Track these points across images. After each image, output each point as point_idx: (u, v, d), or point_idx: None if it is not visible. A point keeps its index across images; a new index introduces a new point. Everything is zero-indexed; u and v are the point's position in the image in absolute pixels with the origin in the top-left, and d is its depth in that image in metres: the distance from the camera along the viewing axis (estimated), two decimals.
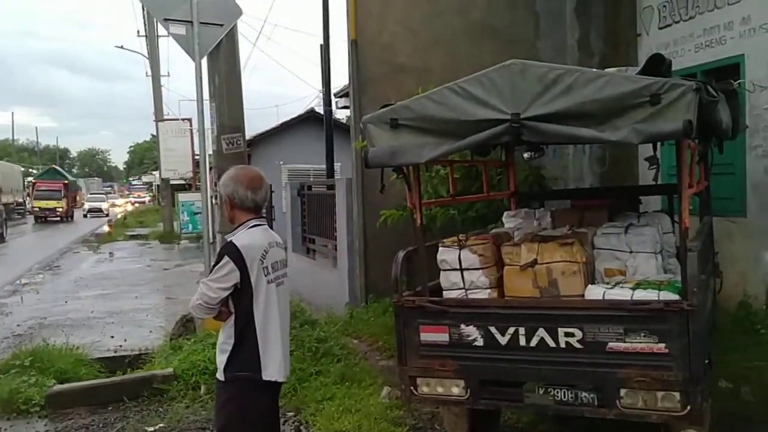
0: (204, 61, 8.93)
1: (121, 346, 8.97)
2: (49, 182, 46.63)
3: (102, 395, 6.53)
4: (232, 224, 3.71)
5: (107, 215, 48.60)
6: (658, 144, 4.11)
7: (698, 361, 3.61)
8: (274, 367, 3.55)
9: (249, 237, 3.59)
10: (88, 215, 49.77)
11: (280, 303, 3.65)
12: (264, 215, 3.81)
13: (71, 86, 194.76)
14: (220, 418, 3.66)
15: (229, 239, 3.59)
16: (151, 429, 5.81)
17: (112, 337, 9.64)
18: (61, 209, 44.40)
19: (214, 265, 3.54)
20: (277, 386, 3.72)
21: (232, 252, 3.48)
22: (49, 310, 12.11)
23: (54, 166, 57.57)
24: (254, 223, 3.64)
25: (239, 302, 3.53)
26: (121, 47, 36.70)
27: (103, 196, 59.79)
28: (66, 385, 6.79)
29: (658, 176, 3.93)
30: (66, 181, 48.14)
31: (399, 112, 4.06)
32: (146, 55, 30.49)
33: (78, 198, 55.69)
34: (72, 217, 46.69)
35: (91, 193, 62.53)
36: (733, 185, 7.09)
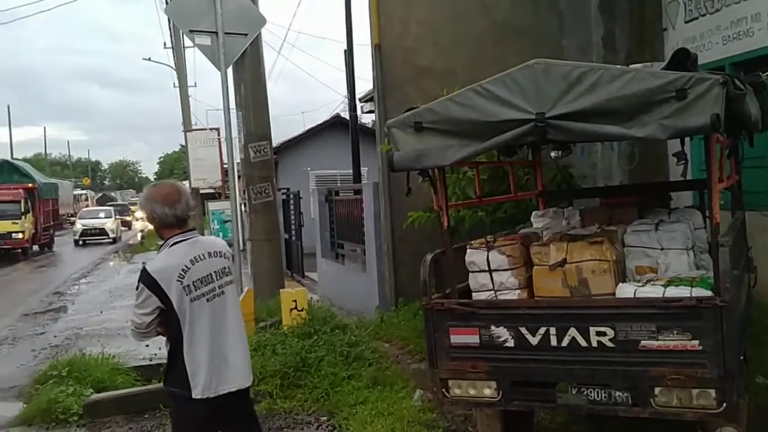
0: (229, 71, 9.03)
1: (156, 354, 9.05)
2: None
3: (138, 403, 6.63)
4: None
5: (114, 239, 35.07)
6: (687, 139, 4.08)
7: (733, 358, 3.56)
8: (202, 385, 3.56)
9: (164, 259, 3.62)
10: (81, 241, 34.07)
11: (212, 318, 3.62)
12: (192, 228, 3.76)
13: (101, 99, 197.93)
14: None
15: (143, 264, 3.65)
16: None
17: (147, 345, 9.72)
18: (19, 235, 26.02)
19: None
20: (225, 398, 3.64)
21: (145, 278, 3.52)
22: (85, 320, 12.32)
23: (8, 159, 34.35)
24: (177, 240, 3.64)
25: (168, 322, 3.58)
26: (149, 59, 37.10)
27: (109, 209, 40.31)
28: (103, 394, 6.91)
29: (686, 171, 3.89)
30: (31, 185, 28.73)
31: (423, 115, 4.07)
32: (173, 66, 30.90)
33: (63, 211, 37.19)
34: (48, 245, 30.92)
35: (87, 207, 45.39)
36: (765, 178, 6.97)
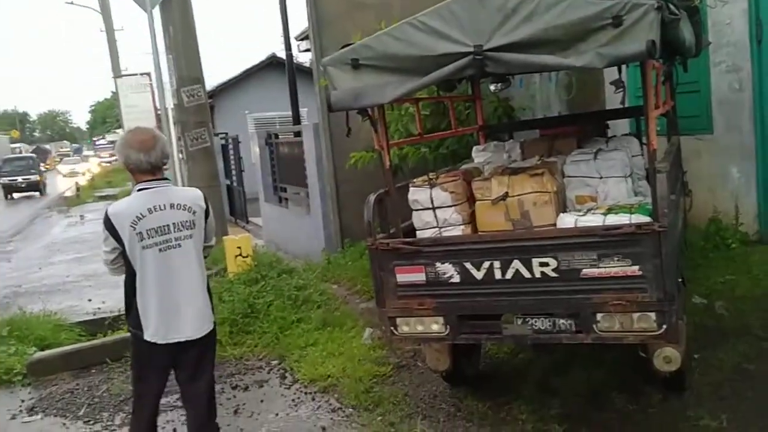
0: (157, 13, 8.65)
1: (99, 308, 8.93)
2: None
3: (84, 359, 6.53)
4: None
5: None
6: (623, 67, 4.08)
7: (672, 281, 3.65)
8: (151, 330, 3.68)
9: (125, 203, 3.75)
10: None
11: (165, 268, 3.67)
12: (164, 176, 3.80)
13: (26, 48, 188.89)
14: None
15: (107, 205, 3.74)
16: None
17: (90, 300, 9.59)
18: None
19: None
20: (175, 345, 3.72)
21: (104, 219, 3.67)
22: (23, 277, 11.98)
23: None
24: (142, 186, 3.70)
25: (126, 264, 3.70)
26: (71, 2, 35.31)
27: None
28: (47, 352, 6.77)
29: (624, 99, 3.90)
30: None
31: (359, 52, 3.95)
32: (98, 9, 29.49)
33: None
34: None
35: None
36: (698, 103, 7.10)
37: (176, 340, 3.71)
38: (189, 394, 3.95)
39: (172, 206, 3.71)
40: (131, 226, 3.60)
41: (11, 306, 9.26)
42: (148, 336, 3.68)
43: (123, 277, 3.76)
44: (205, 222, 3.87)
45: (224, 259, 7.96)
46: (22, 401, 5.90)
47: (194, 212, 3.79)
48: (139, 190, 3.71)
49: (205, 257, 3.97)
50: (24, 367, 6.44)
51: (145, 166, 3.67)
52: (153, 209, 3.65)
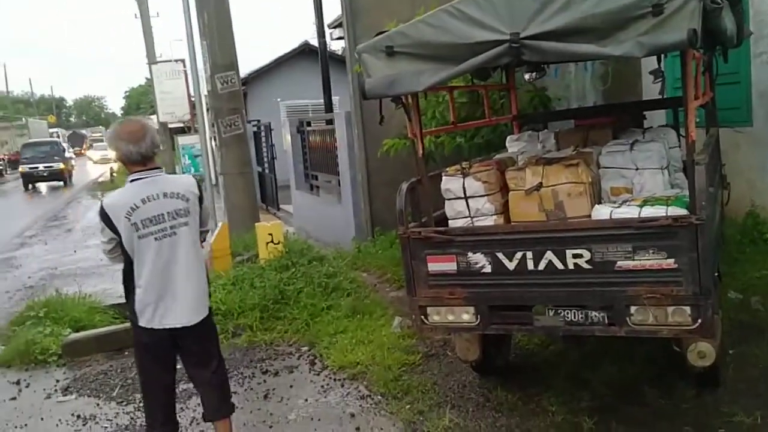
0: None
1: None
2: None
3: (117, 341, 6.62)
4: None
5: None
6: (662, 56, 4.01)
7: (707, 275, 3.59)
8: (147, 316, 3.77)
9: (118, 195, 3.84)
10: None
11: (161, 256, 3.74)
12: (157, 166, 3.84)
13: (63, 35, 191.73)
14: None
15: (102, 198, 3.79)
16: None
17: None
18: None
19: None
20: (171, 331, 3.81)
21: (100, 211, 3.75)
22: (59, 260, 12.20)
23: None
24: (135, 177, 3.76)
25: (124, 253, 3.79)
26: None
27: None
28: (81, 333, 6.90)
29: (663, 90, 3.83)
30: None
31: (394, 39, 3.93)
32: None
33: None
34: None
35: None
36: (738, 94, 6.95)
37: (171, 326, 3.79)
38: (199, 380, 4.07)
39: (165, 195, 3.76)
40: (126, 217, 3.67)
41: (47, 288, 9.44)
42: (143, 322, 3.78)
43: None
44: (200, 208, 3.95)
45: (256, 246, 8.02)
46: (57, 381, 6.03)
47: (188, 200, 3.84)
48: (132, 180, 3.77)
49: (201, 242, 4.07)
50: (59, 347, 6.58)
51: (136, 157, 3.72)
52: (146, 199, 3.71)
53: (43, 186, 32.73)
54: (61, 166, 32.51)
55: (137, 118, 4.03)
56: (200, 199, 3.95)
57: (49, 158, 32.48)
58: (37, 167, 32.04)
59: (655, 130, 5.21)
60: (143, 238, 3.70)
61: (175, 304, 3.78)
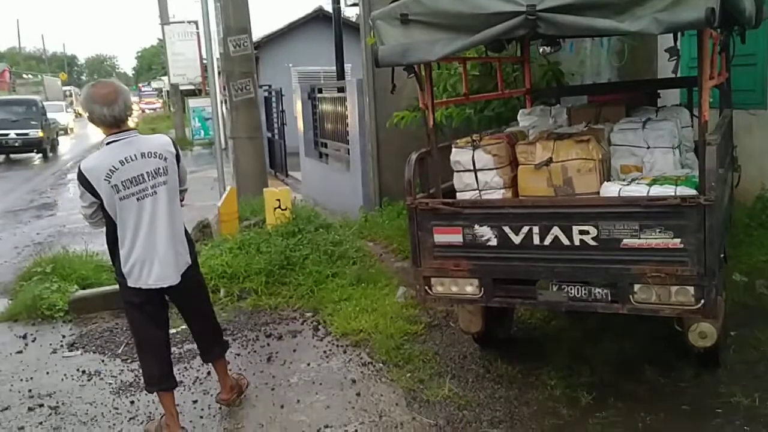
0: None
1: None
2: None
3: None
4: None
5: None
6: (679, 34, 3.96)
7: (713, 256, 3.59)
8: (133, 276, 3.86)
9: (95, 158, 3.85)
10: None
11: (143, 216, 3.81)
12: (131, 128, 3.88)
13: None
14: None
15: (79, 162, 3.85)
16: (173, 331, 5.96)
17: None
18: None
19: None
20: (158, 291, 3.95)
21: (79, 175, 3.78)
22: (67, 218, 12.27)
23: None
24: (111, 140, 3.79)
25: (107, 216, 3.85)
26: None
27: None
28: (88, 291, 6.97)
29: (677, 68, 3.79)
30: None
31: (409, 7, 3.89)
32: None
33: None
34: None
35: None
36: (754, 76, 6.86)
37: (158, 286, 3.88)
38: (193, 328, 4.37)
39: (142, 155, 3.79)
40: (106, 180, 3.70)
41: (55, 245, 9.52)
42: (131, 282, 3.87)
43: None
44: (178, 167, 3.99)
45: (263, 211, 8.04)
46: (63, 336, 6.11)
47: (165, 158, 3.88)
48: (108, 143, 3.80)
49: (181, 201, 4.16)
50: (66, 304, 6.65)
51: (109, 120, 3.76)
52: (125, 161, 3.75)
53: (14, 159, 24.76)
54: (39, 133, 24.08)
55: (109, 80, 4.06)
56: (177, 158, 3.99)
57: (23, 123, 24.09)
58: (7, 134, 23.66)
59: (669, 109, 5.16)
60: (125, 200, 3.75)
61: (159, 264, 3.86)
